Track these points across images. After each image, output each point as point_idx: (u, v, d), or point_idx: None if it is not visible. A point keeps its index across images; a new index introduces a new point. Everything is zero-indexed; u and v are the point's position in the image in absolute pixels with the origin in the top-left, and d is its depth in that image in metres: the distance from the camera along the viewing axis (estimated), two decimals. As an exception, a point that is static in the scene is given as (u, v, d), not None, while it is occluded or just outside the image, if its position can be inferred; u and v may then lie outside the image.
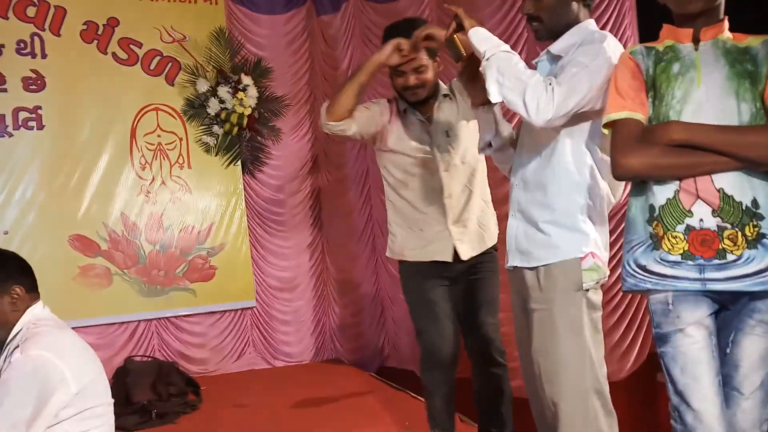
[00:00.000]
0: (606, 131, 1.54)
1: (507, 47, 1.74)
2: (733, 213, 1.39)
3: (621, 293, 3.27)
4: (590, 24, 1.80)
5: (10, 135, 3.90)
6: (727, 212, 1.40)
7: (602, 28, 2.56)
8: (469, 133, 2.44)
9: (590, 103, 1.65)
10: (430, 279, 2.45)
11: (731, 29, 1.50)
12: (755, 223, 1.39)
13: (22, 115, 3.93)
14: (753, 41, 1.45)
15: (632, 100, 1.48)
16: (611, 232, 1.88)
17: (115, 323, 4.07)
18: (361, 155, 4.47)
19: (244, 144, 4.39)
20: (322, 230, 4.66)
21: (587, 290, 1.72)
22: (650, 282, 1.47)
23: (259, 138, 4.43)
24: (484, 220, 2.50)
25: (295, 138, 4.57)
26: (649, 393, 3.18)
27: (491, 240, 2.51)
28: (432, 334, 2.43)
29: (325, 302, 4.66)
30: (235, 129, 4.29)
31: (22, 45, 3.92)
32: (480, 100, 1.91)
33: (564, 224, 1.74)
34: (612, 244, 2.64)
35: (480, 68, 1.75)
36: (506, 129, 1.96)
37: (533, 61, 1.89)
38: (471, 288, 2.46)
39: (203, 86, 4.24)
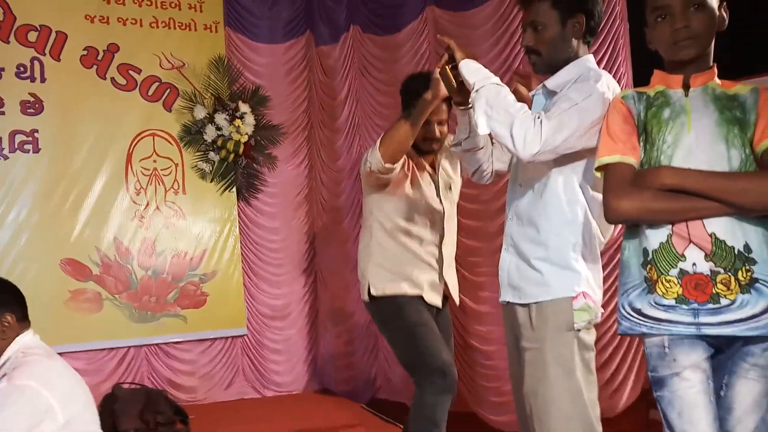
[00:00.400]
0: (598, 174, 1.55)
1: (497, 80, 1.76)
2: (725, 258, 1.40)
3: (613, 329, 3.26)
4: (588, 60, 1.81)
5: (6, 158, 3.90)
6: (719, 257, 1.40)
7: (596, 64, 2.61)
8: (459, 186, 2.62)
9: (581, 142, 1.66)
10: (423, 307, 2.51)
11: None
12: (747, 267, 1.39)
13: (19, 138, 3.93)
14: (741, 89, 1.48)
15: (624, 144, 1.50)
16: (603, 267, 1.88)
17: (104, 349, 4.03)
18: (357, 185, 4.47)
19: (239, 171, 4.40)
20: (315, 258, 4.65)
21: (579, 330, 1.71)
22: (645, 326, 1.47)
23: (254, 165, 4.45)
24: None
25: (291, 166, 4.59)
26: (642, 430, 3.15)
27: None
28: (443, 354, 2.38)
29: (317, 331, 4.63)
30: (231, 156, 4.31)
31: (21, 69, 3.94)
32: (459, 99, 1.91)
33: (556, 262, 1.74)
34: (604, 279, 2.65)
35: (469, 99, 1.77)
36: (482, 141, 1.97)
37: (529, 94, 1.91)
38: (443, 328, 2.55)
39: (201, 113, 4.27)
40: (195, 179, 4.31)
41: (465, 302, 3.67)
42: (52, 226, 3.97)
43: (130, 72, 4.20)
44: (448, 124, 2.47)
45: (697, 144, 1.45)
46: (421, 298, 2.50)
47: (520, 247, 1.81)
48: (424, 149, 2.50)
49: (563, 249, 1.73)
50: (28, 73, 3.96)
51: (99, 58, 4.12)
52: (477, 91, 1.73)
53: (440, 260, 2.53)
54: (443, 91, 2.10)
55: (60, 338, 3.63)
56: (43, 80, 3.99)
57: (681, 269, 1.42)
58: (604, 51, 3.09)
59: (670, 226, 1.44)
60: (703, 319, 1.41)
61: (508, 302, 1.84)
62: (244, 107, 4.34)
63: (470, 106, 1.80)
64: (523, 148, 1.64)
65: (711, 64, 1.51)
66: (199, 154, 4.31)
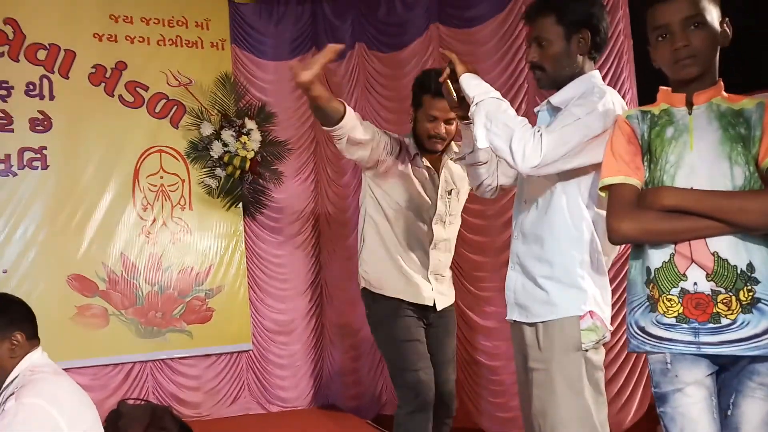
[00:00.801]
0: (603, 194, 1.55)
1: (497, 94, 1.75)
2: (726, 277, 1.39)
3: (620, 344, 3.25)
4: (593, 76, 1.80)
5: (15, 174, 3.94)
6: (720, 276, 1.40)
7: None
8: (466, 196, 2.56)
9: (582, 157, 1.65)
10: (412, 317, 2.47)
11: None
12: (750, 287, 1.39)
13: (27, 155, 3.97)
14: (748, 103, 1.46)
15: (627, 165, 1.50)
16: (610, 283, 1.87)
17: (110, 364, 4.03)
18: (362, 200, 4.49)
19: (245, 186, 4.42)
20: (321, 273, 4.65)
21: (586, 350, 1.70)
22: (649, 344, 1.47)
23: (261, 181, 4.47)
24: (449, 277, 2.63)
25: (297, 181, 4.61)
26: (649, 446, 3.13)
27: (453, 296, 2.64)
28: (421, 373, 2.37)
29: (323, 346, 4.62)
30: (238, 172, 4.33)
31: (31, 87, 3.99)
32: (460, 113, 1.92)
33: (562, 280, 1.73)
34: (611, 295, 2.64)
35: (469, 113, 1.77)
36: (484, 156, 1.96)
37: (534, 110, 1.91)
38: (439, 341, 2.52)
39: (207, 129, 4.30)
40: (201, 195, 4.34)
41: (471, 317, 3.67)
42: (59, 242, 3.99)
43: (138, 89, 4.24)
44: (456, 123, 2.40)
45: (700, 163, 1.44)
46: (406, 301, 2.47)
47: (525, 266, 1.80)
48: (429, 147, 2.46)
49: (569, 267, 1.72)
50: (37, 91, 4.00)
51: (107, 75, 4.17)
52: (476, 104, 1.73)
53: (427, 262, 2.49)
54: (304, 77, 2.07)
55: (66, 353, 3.65)
56: (51, 98, 4.03)
57: (682, 288, 1.42)
58: (608, 68, 3.10)
59: (672, 246, 1.44)
60: (703, 338, 1.41)
61: (515, 321, 1.83)
62: (250, 124, 4.37)
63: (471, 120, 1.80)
64: (522, 161, 1.63)
65: (716, 79, 1.50)
66: (205, 170, 4.33)
